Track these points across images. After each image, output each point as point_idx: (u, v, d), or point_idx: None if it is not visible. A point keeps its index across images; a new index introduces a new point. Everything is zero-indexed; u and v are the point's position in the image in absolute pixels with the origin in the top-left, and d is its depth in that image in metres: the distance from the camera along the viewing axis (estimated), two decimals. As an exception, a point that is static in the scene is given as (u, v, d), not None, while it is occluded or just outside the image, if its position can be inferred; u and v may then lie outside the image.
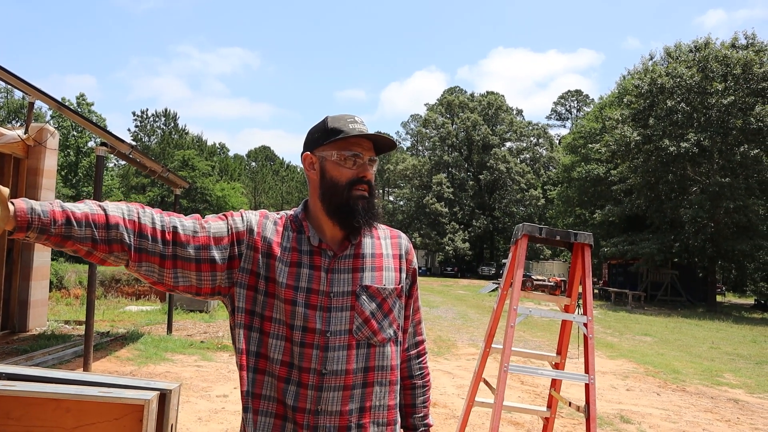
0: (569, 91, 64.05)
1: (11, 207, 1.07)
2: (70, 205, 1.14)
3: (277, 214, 1.40)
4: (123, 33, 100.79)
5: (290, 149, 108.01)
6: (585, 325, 3.31)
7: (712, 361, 9.98)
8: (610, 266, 29.97)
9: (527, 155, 51.67)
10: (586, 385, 3.22)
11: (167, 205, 32.87)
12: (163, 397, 1.53)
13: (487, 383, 3.69)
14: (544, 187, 47.63)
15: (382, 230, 1.45)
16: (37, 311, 8.67)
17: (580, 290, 3.42)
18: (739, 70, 21.70)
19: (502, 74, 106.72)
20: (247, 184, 56.18)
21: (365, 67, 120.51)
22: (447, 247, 43.96)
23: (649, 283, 26.01)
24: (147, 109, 51.99)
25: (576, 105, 63.15)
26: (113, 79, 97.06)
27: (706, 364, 9.57)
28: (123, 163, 39.02)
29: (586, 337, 3.29)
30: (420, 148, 55.32)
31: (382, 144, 1.38)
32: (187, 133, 49.48)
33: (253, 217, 1.35)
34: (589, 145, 30.09)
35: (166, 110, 51.22)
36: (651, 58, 27.44)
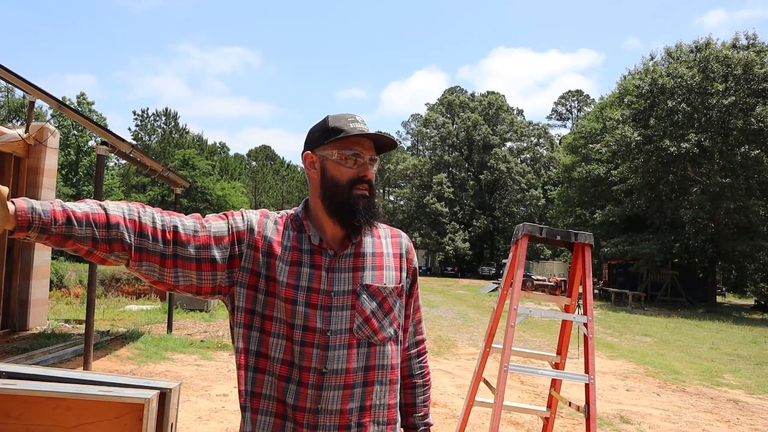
0: (570, 91, 64.07)
1: (12, 206, 1.07)
2: (70, 205, 1.14)
3: (278, 213, 1.40)
4: (123, 32, 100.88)
5: (290, 148, 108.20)
6: (585, 325, 3.31)
7: (712, 362, 9.98)
8: (610, 266, 29.97)
9: (528, 155, 51.68)
10: (586, 385, 3.22)
11: (168, 205, 32.89)
12: (163, 396, 1.53)
13: (487, 383, 3.69)
14: (545, 187, 47.64)
15: (383, 229, 1.45)
16: (38, 310, 8.68)
17: (581, 290, 3.42)
18: (740, 70, 21.69)
19: (502, 74, 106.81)
20: (248, 183, 56.18)
21: (366, 67, 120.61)
22: (447, 247, 43.97)
23: (650, 283, 26.01)
24: (147, 109, 52.07)
25: (576, 105, 63.14)
26: (113, 78, 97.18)
27: (706, 365, 9.57)
28: (123, 162, 39.06)
29: (586, 337, 3.29)
30: (420, 147, 55.34)
31: (382, 143, 1.38)
32: (187, 133, 49.46)
33: (253, 216, 1.35)
34: (590, 145, 30.09)
35: (166, 109, 51.24)
36: (652, 59, 27.46)
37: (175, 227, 1.24)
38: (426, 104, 69.27)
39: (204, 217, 1.32)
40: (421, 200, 46.13)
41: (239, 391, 1.31)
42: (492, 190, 48.07)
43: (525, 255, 3.44)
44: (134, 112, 53.30)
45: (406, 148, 57.33)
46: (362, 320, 1.31)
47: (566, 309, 3.60)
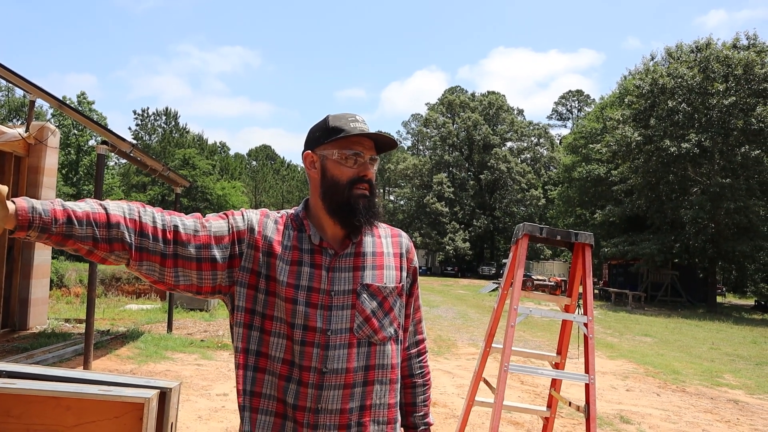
0: (570, 91, 64.09)
1: (12, 206, 1.07)
2: (71, 204, 1.14)
3: (278, 212, 1.40)
4: (123, 32, 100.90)
5: (291, 148, 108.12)
6: (585, 325, 3.31)
7: (712, 362, 9.98)
8: (610, 266, 29.97)
9: (528, 155, 51.69)
10: (586, 385, 3.22)
11: (168, 204, 32.89)
12: (164, 395, 1.53)
13: (487, 383, 3.69)
14: (545, 187, 47.65)
15: (383, 229, 1.45)
16: (38, 309, 8.68)
17: (581, 290, 3.42)
18: (741, 70, 21.68)
19: (502, 74, 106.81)
20: (248, 183, 56.18)
21: (366, 67, 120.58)
22: (447, 247, 43.97)
23: (650, 283, 26.00)
24: (148, 108, 52.08)
25: (577, 105, 63.15)
26: (114, 77, 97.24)
27: (706, 365, 9.57)
28: (124, 161, 39.06)
29: (586, 337, 3.29)
30: (421, 147, 55.36)
31: (382, 143, 1.38)
32: (187, 132, 49.44)
33: (254, 216, 1.35)
34: (590, 145, 30.10)
35: (166, 109, 51.23)
36: (652, 59, 27.46)
37: (176, 227, 1.24)
38: (426, 104, 69.33)
39: (204, 216, 1.32)
40: (422, 200, 46.14)
41: (238, 391, 1.31)
42: (492, 190, 48.07)
43: (525, 255, 3.44)
44: (134, 112, 53.34)
45: (406, 148, 57.35)
46: (362, 320, 1.31)
47: (566, 309, 3.60)
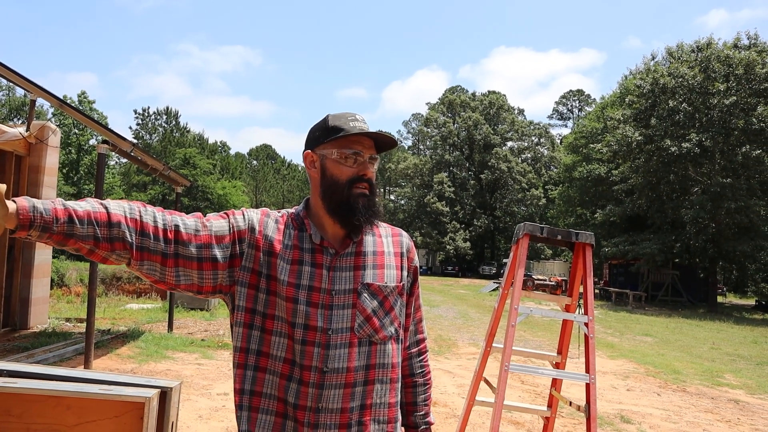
0: (571, 90, 63.99)
1: (13, 205, 1.07)
2: (72, 203, 1.14)
3: (279, 212, 1.40)
4: (124, 31, 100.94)
5: (291, 147, 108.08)
6: (586, 324, 3.31)
7: (712, 362, 9.97)
8: (611, 266, 29.97)
9: (528, 155, 51.68)
10: (587, 385, 3.22)
11: (168, 203, 32.91)
12: (164, 394, 1.53)
13: (487, 382, 3.69)
14: (546, 187, 47.65)
15: (384, 228, 1.45)
16: (38, 309, 8.69)
17: (581, 290, 3.42)
18: (742, 70, 21.66)
19: (503, 73, 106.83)
20: (249, 182, 56.18)
21: (366, 66, 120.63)
22: (448, 247, 43.97)
23: (650, 283, 26.00)
24: (148, 107, 52.12)
25: (578, 105, 63.06)
26: (114, 77, 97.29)
27: (706, 365, 9.57)
28: (124, 161, 39.06)
29: (586, 337, 3.29)
30: (421, 147, 55.32)
31: (382, 142, 1.38)
32: (188, 131, 49.45)
33: (254, 215, 1.35)
34: (591, 145, 30.09)
35: (167, 108, 51.24)
36: (653, 58, 27.46)
37: (177, 226, 1.24)
38: (427, 103, 69.24)
39: (205, 216, 1.32)
40: (422, 199, 46.13)
41: (235, 390, 1.30)
42: (493, 190, 48.07)
43: (526, 254, 3.44)
44: (135, 111, 53.17)
45: (406, 148, 57.31)
46: (363, 319, 1.31)
47: (567, 308, 3.60)
